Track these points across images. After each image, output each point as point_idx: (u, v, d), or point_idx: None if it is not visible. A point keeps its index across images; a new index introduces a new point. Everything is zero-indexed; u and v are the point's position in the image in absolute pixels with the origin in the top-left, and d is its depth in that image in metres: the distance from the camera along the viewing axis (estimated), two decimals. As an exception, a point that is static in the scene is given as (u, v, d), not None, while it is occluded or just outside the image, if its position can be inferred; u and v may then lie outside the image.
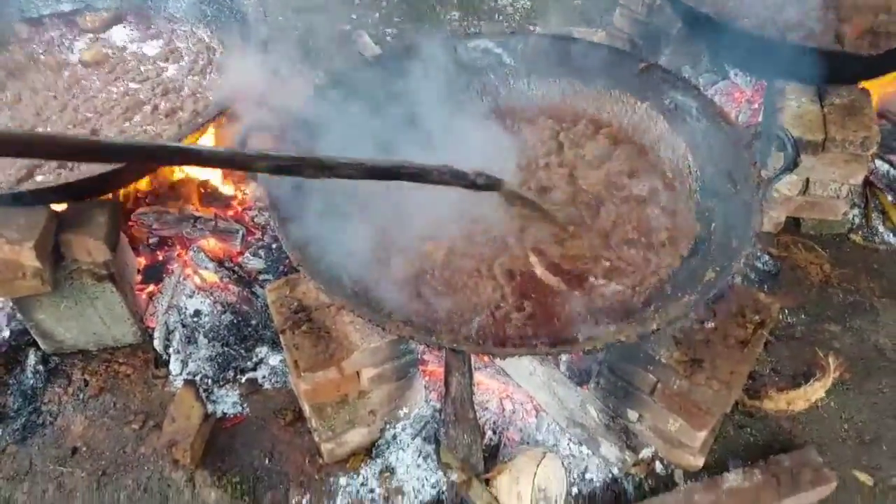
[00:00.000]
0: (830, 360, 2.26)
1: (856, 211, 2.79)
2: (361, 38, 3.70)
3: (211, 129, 2.42)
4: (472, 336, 1.65)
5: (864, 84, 2.59)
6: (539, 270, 1.80)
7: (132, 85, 2.46)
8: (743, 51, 2.57)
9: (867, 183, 2.82)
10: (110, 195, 2.30)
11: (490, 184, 1.73)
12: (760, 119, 2.84)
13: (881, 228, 2.76)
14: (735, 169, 1.92)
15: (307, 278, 1.69)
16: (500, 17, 4.04)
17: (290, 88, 2.44)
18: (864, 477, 2.08)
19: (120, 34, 2.72)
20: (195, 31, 2.69)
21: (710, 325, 1.88)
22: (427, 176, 1.59)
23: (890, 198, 2.82)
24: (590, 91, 2.28)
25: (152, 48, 2.63)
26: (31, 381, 2.31)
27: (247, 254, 2.56)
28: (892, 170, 2.87)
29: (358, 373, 1.93)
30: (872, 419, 2.22)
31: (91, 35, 2.70)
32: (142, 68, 2.52)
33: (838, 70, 2.44)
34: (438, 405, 2.16)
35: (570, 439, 2.11)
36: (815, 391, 2.23)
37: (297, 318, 1.90)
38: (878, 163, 2.87)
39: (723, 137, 1.99)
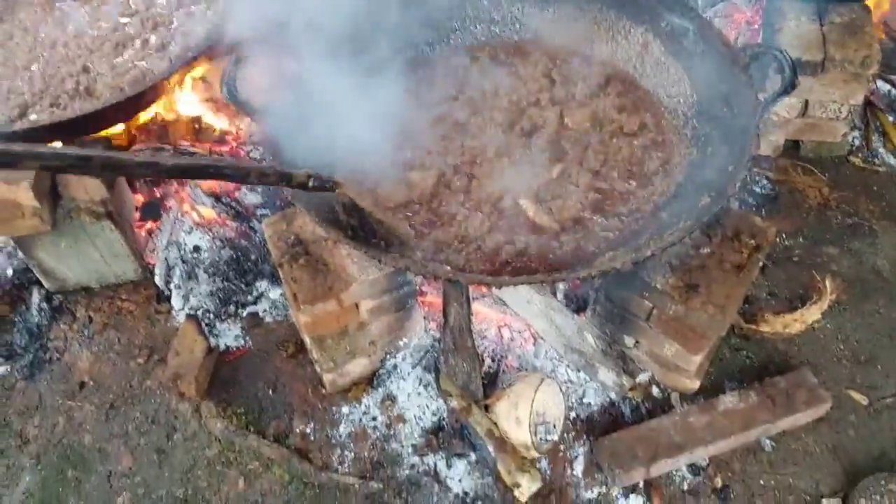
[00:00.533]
0: (828, 282, 2.27)
1: (856, 133, 2.76)
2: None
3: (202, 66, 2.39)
4: (468, 266, 1.66)
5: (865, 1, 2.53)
6: (531, 212, 1.79)
7: (121, 20, 2.40)
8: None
9: (867, 104, 2.78)
10: (103, 133, 2.28)
11: (324, 186, 1.57)
12: (760, 39, 2.78)
13: (881, 150, 2.74)
14: (732, 92, 1.88)
15: (302, 212, 1.69)
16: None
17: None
18: (858, 396, 2.12)
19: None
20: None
21: (706, 250, 1.88)
22: (245, 176, 1.44)
23: (891, 118, 2.78)
24: (584, 18, 2.21)
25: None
26: (37, 319, 2.34)
27: (243, 189, 2.55)
28: (893, 90, 2.82)
29: (357, 304, 1.95)
30: (868, 339, 2.25)
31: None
32: (130, 2, 2.46)
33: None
34: (437, 335, 2.19)
35: (567, 365, 2.15)
36: (811, 313, 2.25)
37: (294, 251, 1.91)
38: (879, 83, 2.82)
39: (719, 60, 1.95)
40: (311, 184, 1.51)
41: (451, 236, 1.76)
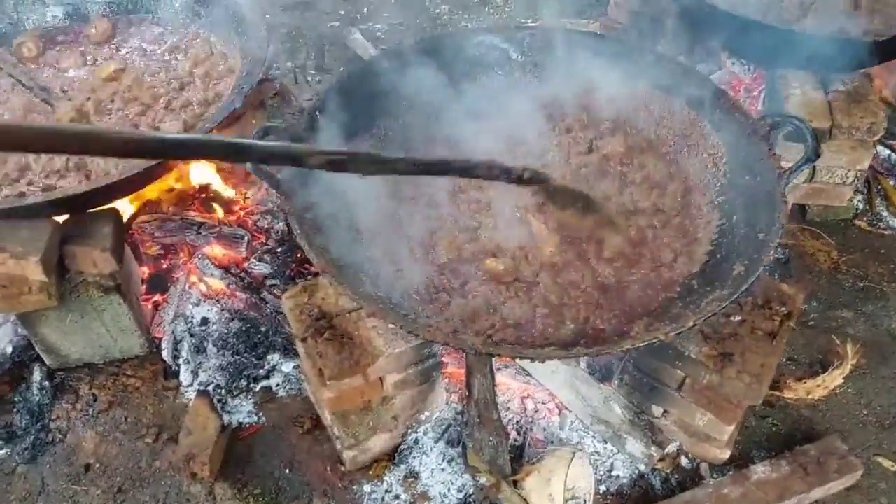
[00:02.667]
0: (848, 347, 2.26)
1: (859, 197, 2.80)
2: (353, 36, 3.65)
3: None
4: (505, 339, 1.63)
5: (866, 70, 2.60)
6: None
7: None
8: (746, 39, 2.58)
9: (870, 168, 2.83)
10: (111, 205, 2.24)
11: (537, 178, 1.67)
12: (760, 107, 2.84)
13: (885, 213, 2.78)
14: (753, 160, 1.90)
15: (335, 286, 1.65)
16: (490, 10, 4.00)
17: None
18: (887, 463, 2.09)
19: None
20: (196, 31, 2.64)
21: (738, 318, 1.87)
22: (474, 170, 1.55)
23: (892, 182, 2.84)
24: (606, 87, 2.24)
25: (156, 60, 2.57)
26: (38, 398, 2.24)
27: (252, 259, 2.51)
28: (893, 154, 2.89)
29: (381, 379, 1.89)
30: (891, 403, 2.23)
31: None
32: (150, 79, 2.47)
33: (843, 57, 2.44)
34: (460, 407, 2.13)
35: (594, 437, 2.10)
36: (833, 379, 2.23)
37: (318, 325, 1.85)
38: (880, 148, 2.88)
39: (738, 129, 1.98)
40: (525, 176, 1.58)
41: (480, 307, 1.74)
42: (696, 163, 2.05)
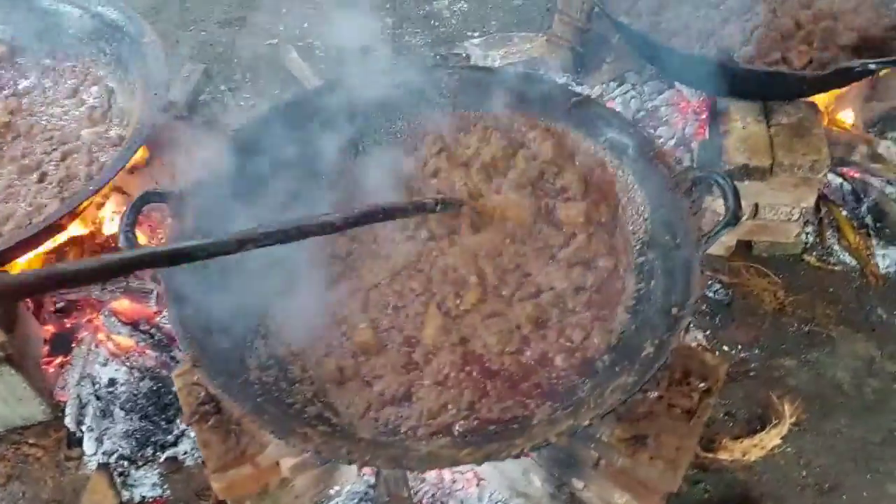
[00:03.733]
0: (786, 405, 2.14)
1: (809, 228, 2.67)
2: (290, 55, 3.48)
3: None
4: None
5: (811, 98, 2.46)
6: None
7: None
8: (682, 68, 2.44)
9: (820, 197, 2.70)
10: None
11: (451, 203, 1.73)
12: (706, 135, 2.70)
13: (836, 247, 2.65)
14: (674, 218, 1.76)
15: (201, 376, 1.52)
16: (436, 23, 3.83)
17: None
18: (824, 532, 1.99)
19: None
20: (94, 71, 2.48)
21: (654, 394, 1.74)
22: (398, 213, 1.64)
23: (844, 213, 2.70)
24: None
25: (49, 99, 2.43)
26: (-72, 475, 2.11)
27: (164, 313, 2.37)
28: (844, 183, 2.75)
29: (277, 462, 1.77)
30: (831, 464, 2.12)
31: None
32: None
33: (784, 88, 2.31)
34: (372, 479, 2.01)
35: (514, 510, 1.98)
36: (770, 438, 2.12)
37: (204, 409, 1.72)
38: (831, 176, 2.74)
39: (660, 182, 1.84)
40: (439, 207, 1.67)
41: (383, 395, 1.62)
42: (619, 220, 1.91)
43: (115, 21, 2.46)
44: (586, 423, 1.41)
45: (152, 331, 2.34)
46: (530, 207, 1.91)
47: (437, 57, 3.55)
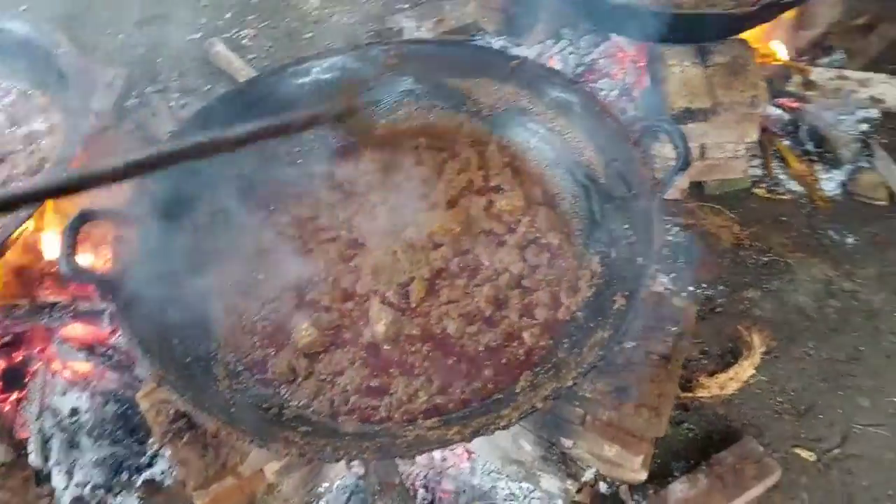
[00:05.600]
0: (755, 335, 2.18)
1: (756, 162, 2.71)
2: (215, 49, 3.36)
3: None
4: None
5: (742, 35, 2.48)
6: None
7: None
8: (615, 19, 2.43)
9: (763, 130, 2.73)
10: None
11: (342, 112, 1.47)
12: (647, 82, 2.70)
13: (782, 177, 2.69)
14: (627, 169, 1.76)
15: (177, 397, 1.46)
16: (364, 0, 3.74)
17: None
18: (805, 454, 2.03)
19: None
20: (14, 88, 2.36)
21: (630, 344, 1.75)
22: (289, 128, 1.39)
23: (786, 143, 2.75)
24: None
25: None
26: None
27: (119, 333, 2.28)
28: (783, 114, 2.79)
29: (261, 469, 1.73)
30: (804, 387, 2.17)
31: None
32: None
33: (715, 29, 2.32)
34: (362, 471, 1.98)
35: (508, 478, 1.98)
36: (744, 370, 2.16)
37: (176, 427, 1.67)
38: (770, 108, 2.78)
39: (610, 135, 1.83)
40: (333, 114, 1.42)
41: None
42: (570, 181, 1.91)
43: (26, 36, 2.33)
44: (570, 383, 1.42)
45: (109, 352, 2.25)
46: (461, 217, 1.89)
47: (370, 33, 3.47)
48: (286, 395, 1.60)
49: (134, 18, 3.72)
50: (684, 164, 1.65)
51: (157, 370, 1.43)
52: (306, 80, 2.07)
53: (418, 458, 2.01)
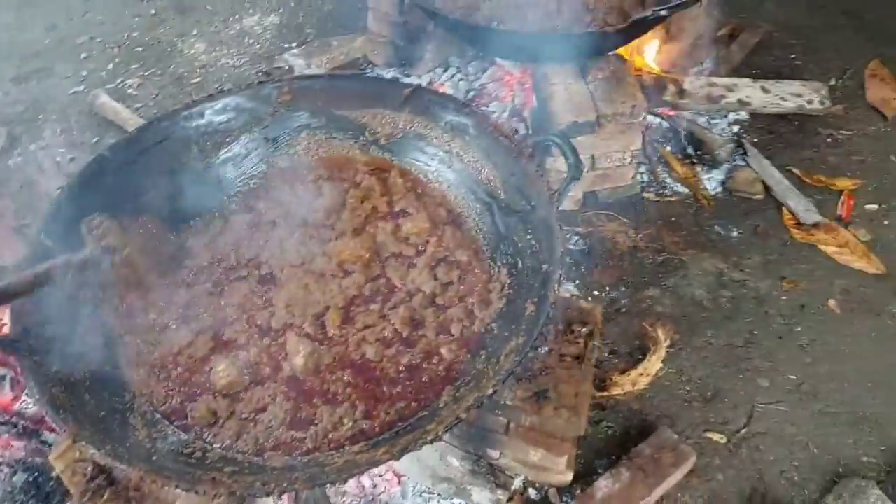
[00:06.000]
0: (659, 331, 2.31)
1: (643, 169, 2.87)
2: (100, 100, 3.28)
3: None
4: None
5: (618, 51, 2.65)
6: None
7: None
8: (502, 45, 2.55)
9: (646, 138, 2.91)
10: None
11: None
12: (535, 102, 2.83)
13: (668, 180, 2.87)
14: (524, 184, 1.84)
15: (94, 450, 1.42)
16: (250, 40, 3.75)
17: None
18: (717, 437, 2.15)
19: None
20: None
21: (544, 349, 1.82)
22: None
23: (668, 148, 2.93)
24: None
25: None
26: None
27: (24, 397, 2.18)
28: (662, 122, 2.98)
29: (189, 517, 1.69)
30: (708, 374, 2.31)
31: None
32: None
33: (593, 46, 2.47)
34: (292, 507, 1.96)
35: (439, 497, 2.00)
36: (653, 364, 2.27)
37: (95, 485, 1.61)
38: (650, 118, 2.97)
39: (505, 153, 1.91)
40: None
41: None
42: (473, 199, 1.98)
43: None
44: (490, 391, 1.45)
45: (13, 419, 2.14)
46: (369, 243, 1.92)
47: (260, 73, 3.48)
48: (209, 439, 1.58)
49: (10, 75, 3.59)
50: (577, 173, 1.74)
51: (71, 426, 1.39)
52: (201, 122, 2.06)
53: (349, 489, 2.01)
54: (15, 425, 2.12)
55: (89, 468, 1.62)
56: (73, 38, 3.83)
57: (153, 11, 4.01)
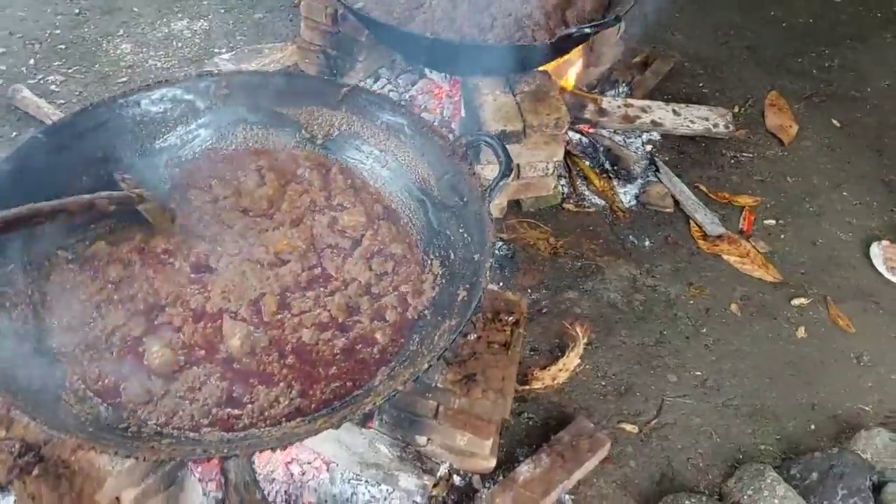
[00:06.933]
0: (578, 328, 2.44)
1: (563, 181, 3.04)
2: (21, 95, 3.20)
3: None
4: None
5: (544, 67, 2.81)
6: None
7: None
8: (434, 56, 2.66)
9: (567, 153, 3.08)
10: None
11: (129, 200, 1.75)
12: (463, 113, 2.96)
13: (587, 192, 3.04)
14: (458, 181, 1.95)
15: (29, 420, 1.40)
16: (179, 44, 3.74)
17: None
18: (629, 427, 2.30)
19: None
20: None
21: (473, 336, 1.92)
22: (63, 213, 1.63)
23: (587, 163, 3.11)
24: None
25: None
26: None
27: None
28: (583, 138, 3.16)
29: (118, 498, 1.67)
30: (622, 370, 2.45)
31: None
32: None
33: (522, 60, 2.61)
34: (220, 495, 1.96)
35: (367, 483, 2.05)
36: (571, 360, 2.40)
37: (24, 462, 1.58)
38: (571, 133, 3.14)
39: (439, 151, 2.01)
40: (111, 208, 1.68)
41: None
42: (407, 196, 2.07)
43: None
44: (425, 366, 1.53)
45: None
46: (306, 234, 1.99)
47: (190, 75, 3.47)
48: (143, 416, 1.59)
49: (-78, 67, 3.46)
50: (507, 170, 1.85)
51: (5, 396, 1.38)
52: (137, 110, 2.07)
53: (277, 475, 2.04)
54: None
55: (17, 446, 1.59)
56: (-10, 32, 3.72)
57: (77, 11, 3.94)
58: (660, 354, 2.51)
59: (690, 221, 2.97)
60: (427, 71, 3.29)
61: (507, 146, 2.56)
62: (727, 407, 2.38)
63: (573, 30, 2.43)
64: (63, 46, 3.68)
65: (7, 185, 1.76)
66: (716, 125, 3.29)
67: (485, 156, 2.61)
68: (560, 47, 2.58)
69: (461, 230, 1.90)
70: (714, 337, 2.58)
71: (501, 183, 1.88)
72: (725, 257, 2.84)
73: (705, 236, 2.90)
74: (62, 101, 3.33)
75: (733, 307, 2.68)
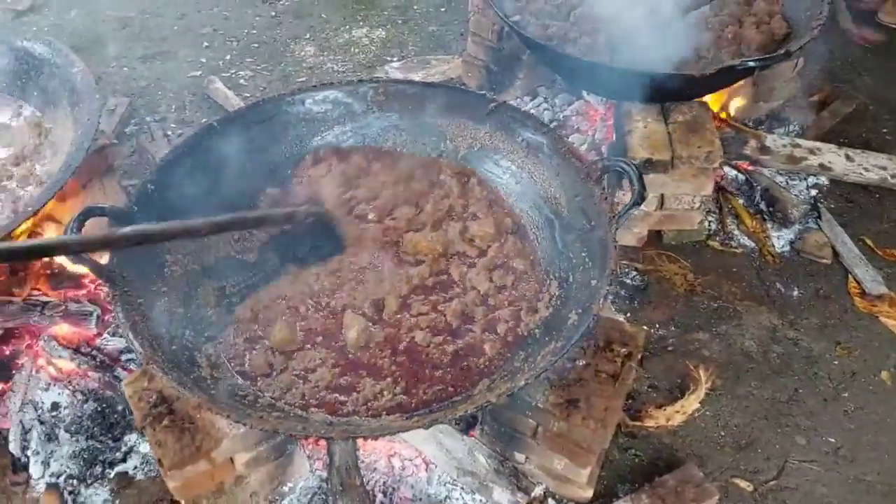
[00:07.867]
0: (701, 372, 2.34)
1: (712, 217, 2.92)
2: (214, 85, 3.57)
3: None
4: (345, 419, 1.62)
5: (703, 98, 2.72)
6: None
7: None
8: (590, 78, 2.66)
9: (719, 189, 2.96)
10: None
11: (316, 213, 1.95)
12: (614, 138, 2.93)
13: (736, 232, 2.90)
14: (588, 205, 1.94)
15: (161, 378, 1.58)
16: (356, 50, 3.99)
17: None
18: (744, 484, 2.17)
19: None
20: (23, 105, 2.52)
21: (581, 362, 1.90)
22: (264, 222, 1.89)
23: (741, 201, 2.97)
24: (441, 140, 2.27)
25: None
26: None
27: (105, 334, 2.40)
28: (739, 175, 3.02)
29: (231, 459, 1.84)
30: (746, 423, 2.32)
31: None
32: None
33: (679, 89, 2.55)
34: (325, 474, 2.08)
35: (462, 489, 2.09)
36: (690, 404, 2.31)
37: (157, 412, 1.78)
38: (727, 168, 3.01)
39: (574, 173, 2.02)
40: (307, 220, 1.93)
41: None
42: (537, 214, 2.10)
43: (42, 55, 2.51)
44: (522, 383, 1.55)
45: (93, 353, 2.36)
46: (442, 239, 2.07)
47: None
48: (261, 387, 1.73)
49: (138, 54, 3.93)
50: (639, 198, 1.83)
51: (146, 350, 1.56)
52: (301, 108, 2.26)
53: (379, 466, 2.13)
54: (94, 358, 2.34)
55: (154, 396, 1.80)
56: (199, 28, 4.16)
57: (273, 13, 4.31)
58: (791, 413, 2.35)
59: (849, 276, 2.74)
60: (584, 93, 3.28)
61: (653, 175, 2.55)
62: (860, 481, 2.18)
63: (735, 62, 2.34)
64: (256, 45, 4.04)
65: (178, 162, 1.99)
66: (894, 175, 3.02)
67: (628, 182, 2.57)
68: (720, 79, 2.49)
69: (584, 254, 1.90)
70: (856, 403, 2.37)
71: (631, 211, 1.86)
72: (883, 320, 2.60)
73: (863, 294, 2.67)
74: (248, 95, 3.66)
75: (884, 374, 2.45)
